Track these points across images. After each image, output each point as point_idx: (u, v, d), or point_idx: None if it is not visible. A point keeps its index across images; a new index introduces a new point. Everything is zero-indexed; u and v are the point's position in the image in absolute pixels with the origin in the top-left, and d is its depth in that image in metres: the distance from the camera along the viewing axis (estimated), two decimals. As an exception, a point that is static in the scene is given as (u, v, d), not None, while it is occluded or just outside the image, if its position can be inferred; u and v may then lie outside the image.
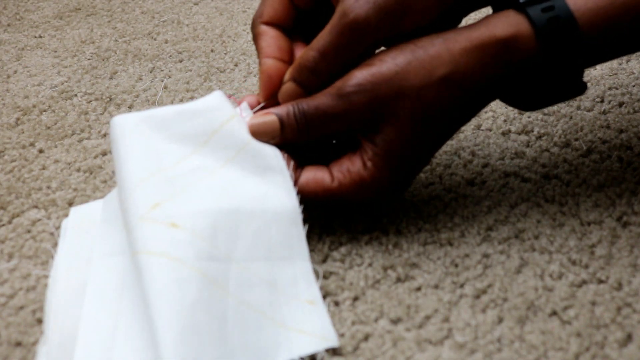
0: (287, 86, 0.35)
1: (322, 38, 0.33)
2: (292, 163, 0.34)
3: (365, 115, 0.33)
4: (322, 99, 0.33)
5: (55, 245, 0.36)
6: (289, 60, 0.36)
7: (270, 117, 0.34)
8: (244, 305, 0.30)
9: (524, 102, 0.35)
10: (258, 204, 0.33)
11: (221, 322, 0.28)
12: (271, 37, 0.36)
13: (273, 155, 0.34)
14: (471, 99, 0.33)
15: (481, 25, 0.33)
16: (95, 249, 0.34)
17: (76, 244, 0.35)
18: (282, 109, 0.34)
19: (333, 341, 0.30)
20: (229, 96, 0.36)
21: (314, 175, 0.34)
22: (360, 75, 0.32)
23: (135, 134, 0.34)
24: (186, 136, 0.34)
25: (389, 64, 0.32)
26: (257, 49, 0.36)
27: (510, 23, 0.32)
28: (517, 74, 0.33)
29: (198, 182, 0.33)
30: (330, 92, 0.33)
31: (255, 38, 0.37)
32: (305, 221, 0.33)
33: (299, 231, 0.33)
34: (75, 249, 0.35)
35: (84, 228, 0.36)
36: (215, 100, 0.35)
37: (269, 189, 0.33)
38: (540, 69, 0.33)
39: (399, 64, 0.32)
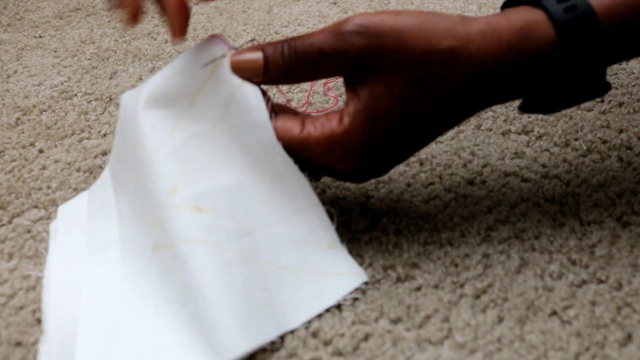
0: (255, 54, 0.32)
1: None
2: (274, 115, 0.33)
3: (360, 59, 0.31)
4: (317, 36, 0.31)
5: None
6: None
7: (254, 53, 0.32)
8: (280, 269, 0.31)
9: (544, 104, 0.34)
10: (255, 169, 0.32)
11: (269, 292, 0.30)
12: None
13: (256, 109, 0.32)
14: (478, 86, 0.31)
15: (499, 14, 0.32)
16: (85, 245, 0.35)
17: (67, 243, 0.36)
18: (270, 46, 0.32)
19: (362, 276, 0.33)
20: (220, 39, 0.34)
21: (284, 123, 0.32)
22: (366, 17, 0.31)
23: (139, 113, 0.33)
24: (171, 100, 0.33)
25: (403, 17, 0.31)
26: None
27: (527, 14, 0.32)
28: (534, 67, 0.32)
29: (198, 153, 0.32)
30: (329, 29, 0.31)
31: None
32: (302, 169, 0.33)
33: (300, 180, 0.32)
34: (66, 248, 0.35)
35: (72, 226, 0.37)
36: (199, 52, 0.33)
37: (259, 148, 0.32)
38: (560, 65, 0.32)
39: (413, 20, 0.31)
